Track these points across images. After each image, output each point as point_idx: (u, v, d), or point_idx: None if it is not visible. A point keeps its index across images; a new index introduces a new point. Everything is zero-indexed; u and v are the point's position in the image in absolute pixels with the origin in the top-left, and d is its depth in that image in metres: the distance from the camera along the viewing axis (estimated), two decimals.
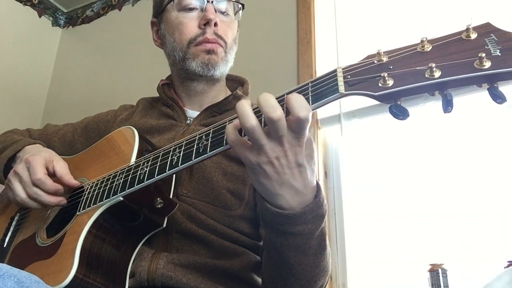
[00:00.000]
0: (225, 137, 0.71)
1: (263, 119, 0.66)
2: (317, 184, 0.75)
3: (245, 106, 0.66)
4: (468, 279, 1.27)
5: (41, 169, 0.97)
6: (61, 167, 1.01)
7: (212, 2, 1.09)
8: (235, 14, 1.17)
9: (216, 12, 1.10)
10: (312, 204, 0.73)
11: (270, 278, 0.88)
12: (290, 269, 0.79)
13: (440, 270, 1.23)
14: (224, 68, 1.11)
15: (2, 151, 1.14)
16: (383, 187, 1.55)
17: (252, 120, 0.65)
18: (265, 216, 0.76)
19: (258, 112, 0.67)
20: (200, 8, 1.10)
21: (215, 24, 1.08)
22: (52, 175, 1.00)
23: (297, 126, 0.65)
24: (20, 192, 0.97)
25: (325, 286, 0.88)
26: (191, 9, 1.10)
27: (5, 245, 1.08)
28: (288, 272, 0.80)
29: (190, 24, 1.09)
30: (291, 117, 0.64)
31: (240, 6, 1.18)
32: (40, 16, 2.70)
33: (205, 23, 1.08)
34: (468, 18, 0.59)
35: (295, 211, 0.72)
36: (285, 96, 0.66)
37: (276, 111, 0.63)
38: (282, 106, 0.66)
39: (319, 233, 0.77)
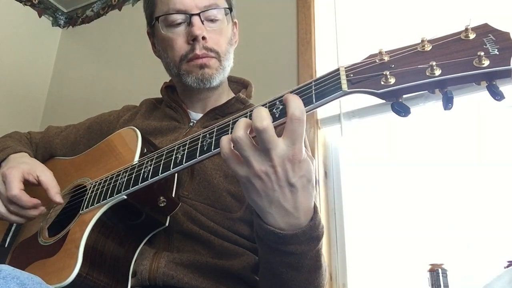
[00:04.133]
0: (229, 133, 0.72)
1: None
2: (314, 206, 0.73)
3: (240, 120, 0.67)
4: (468, 279, 1.28)
5: (16, 184, 0.96)
6: (47, 177, 1.00)
7: (198, 14, 1.06)
8: (226, 15, 1.13)
9: (203, 22, 1.07)
10: (306, 227, 0.71)
11: None
12: (282, 284, 0.78)
13: (440, 270, 1.24)
14: (221, 76, 1.11)
15: None
16: (383, 187, 1.56)
17: (239, 131, 0.65)
18: (258, 232, 0.76)
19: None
20: (187, 22, 1.07)
21: (203, 38, 1.06)
22: (36, 185, 1.00)
23: (290, 129, 0.64)
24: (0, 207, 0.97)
25: None
26: (178, 24, 1.08)
27: (6, 245, 1.08)
28: (280, 286, 0.79)
29: (179, 41, 1.08)
30: (285, 119, 0.64)
31: (228, 10, 1.14)
32: (40, 16, 2.70)
33: (193, 39, 1.06)
34: (466, 19, 0.61)
35: (285, 232, 0.71)
36: (284, 95, 0.67)
37: (263, 121, 0.63)
38: (276, 112, 0.67)
39: (314, 254, 0.76)
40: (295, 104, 0.64)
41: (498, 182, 1.37)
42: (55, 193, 0.99)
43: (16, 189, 0.96)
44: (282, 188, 0.67)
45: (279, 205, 0.68)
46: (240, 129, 0.66)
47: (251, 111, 0.70)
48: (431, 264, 1.26)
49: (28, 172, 1.00)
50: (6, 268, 0.64)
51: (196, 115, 1.16)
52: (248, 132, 0.67)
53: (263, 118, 0.64)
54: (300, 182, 0.67)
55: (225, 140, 0.68)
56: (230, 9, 1.15)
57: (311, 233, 0.73)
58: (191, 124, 1.14)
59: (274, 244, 0.73)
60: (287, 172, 0.66)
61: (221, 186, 1.01)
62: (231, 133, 0.72)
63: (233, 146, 0.67)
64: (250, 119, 0.67)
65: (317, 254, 0.77)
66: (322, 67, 1.78)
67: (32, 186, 1.01)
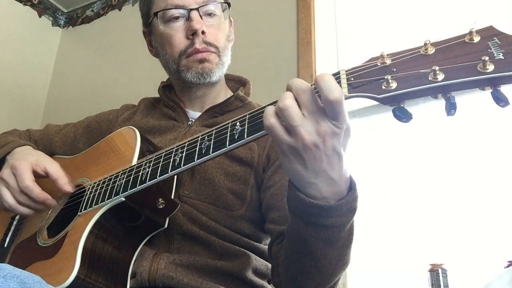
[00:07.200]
0: (227, 136, 0.71)
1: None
2: (351, 176, 0.70)
3: (286, 92, 0.63)
4: (468, 279, 1.28)
5: (28, 175, 0.97)
6: (54, 168, 1.00)
7: (197, 9, 1.07)
8: (223, 11, 1.13)
9: (202, 17, 1.07)
10: (348, 196, 0.68)
11: (290, 271, 0.83)
12: (315, 262, 0.75)
13: (440, 270, 1.24)
14: (220, 71, 1.11)
15: None
16: (383, 187, 1.56)
17: (287, 99, 0.62)
18: (295, 207, 0.71)
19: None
20: (186, 17, 1.08)
21: (203, 32, 1.06)
22: (44, 177, 0.99)
23: (329, 111, 0.61)
24: (8, 198, 0.97)
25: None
26: (176, 18, 1.08)
27: (5, 245, 1.08)
28: (312, 265, 0.76)
29: (178, 36, 1.08)
30: (323, 101, 0.61)
31: (226, 5, 1.15)
32: (40, 16, 2.69)
33: (192, 33, 1.06)
34: (470, 21, 0.59)
35: (329, 202, 0.68)
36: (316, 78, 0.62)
37: (334, 92, 0.59)
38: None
39: (349, 226, 0.73)
40: (329, 86, 0.60)
41: (498, 182, 1.37)
42: (64, 183, 0.99)
43: (29, 180, 0.96)
44: (329, 158, 0.64)
45: (326, 175, 0.65)
46: (288, 97, 0.62)
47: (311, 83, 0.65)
48: (431, 264, 1.26)
49: (36, 163, 1.00)
50: (6, 267, 0.64)
51: (194, 114, 1.16)
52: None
53: (333, 88, 0.60)
54: (343, 149, 0.65)
55: (270, 109, 0.64)
56: (228, 4, 1.15)
57: (352, 203, 0.70)
58: (190, 123, 1.13)
59: (314, 218, 0.69)
60: (335, 142, 0.63)
61: (222, 184, 1.01)
62: (229, 135, 0.71)
63: (279, 116, 0.63)
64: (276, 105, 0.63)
65: (352, 227, 0.74)
66: (322, 67, 1.77)
67: (40, 178, 1.01)
